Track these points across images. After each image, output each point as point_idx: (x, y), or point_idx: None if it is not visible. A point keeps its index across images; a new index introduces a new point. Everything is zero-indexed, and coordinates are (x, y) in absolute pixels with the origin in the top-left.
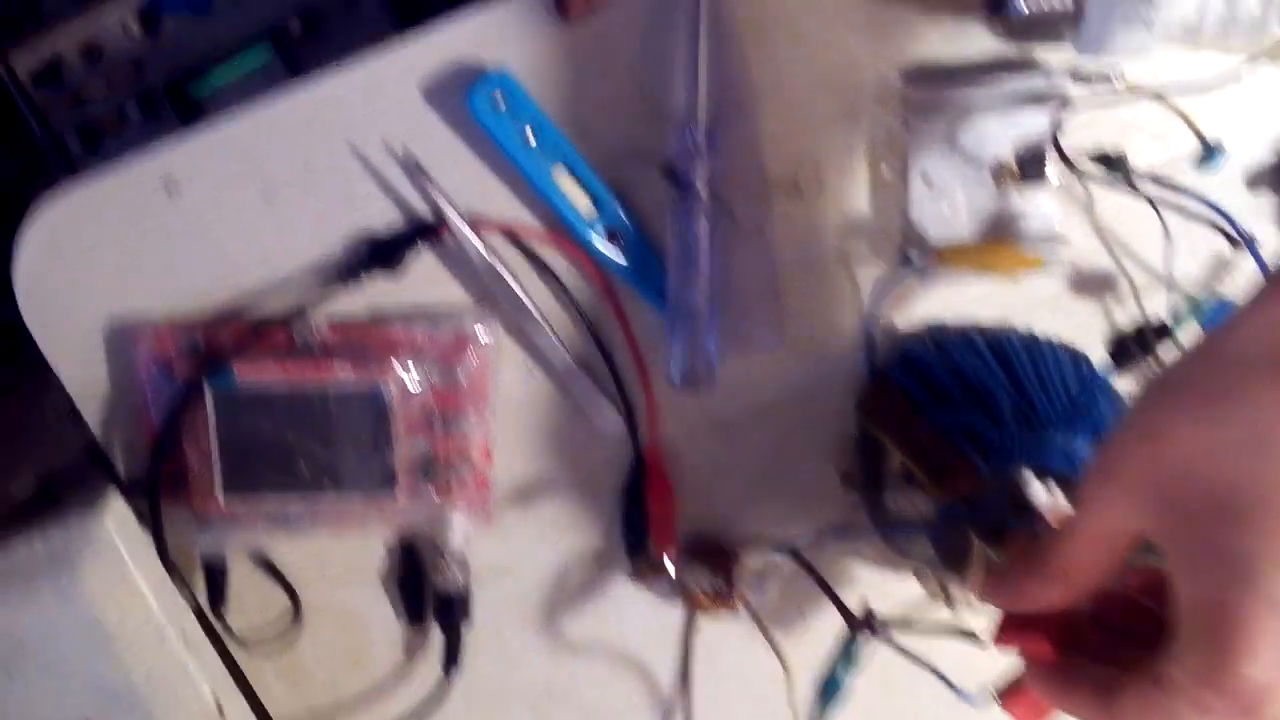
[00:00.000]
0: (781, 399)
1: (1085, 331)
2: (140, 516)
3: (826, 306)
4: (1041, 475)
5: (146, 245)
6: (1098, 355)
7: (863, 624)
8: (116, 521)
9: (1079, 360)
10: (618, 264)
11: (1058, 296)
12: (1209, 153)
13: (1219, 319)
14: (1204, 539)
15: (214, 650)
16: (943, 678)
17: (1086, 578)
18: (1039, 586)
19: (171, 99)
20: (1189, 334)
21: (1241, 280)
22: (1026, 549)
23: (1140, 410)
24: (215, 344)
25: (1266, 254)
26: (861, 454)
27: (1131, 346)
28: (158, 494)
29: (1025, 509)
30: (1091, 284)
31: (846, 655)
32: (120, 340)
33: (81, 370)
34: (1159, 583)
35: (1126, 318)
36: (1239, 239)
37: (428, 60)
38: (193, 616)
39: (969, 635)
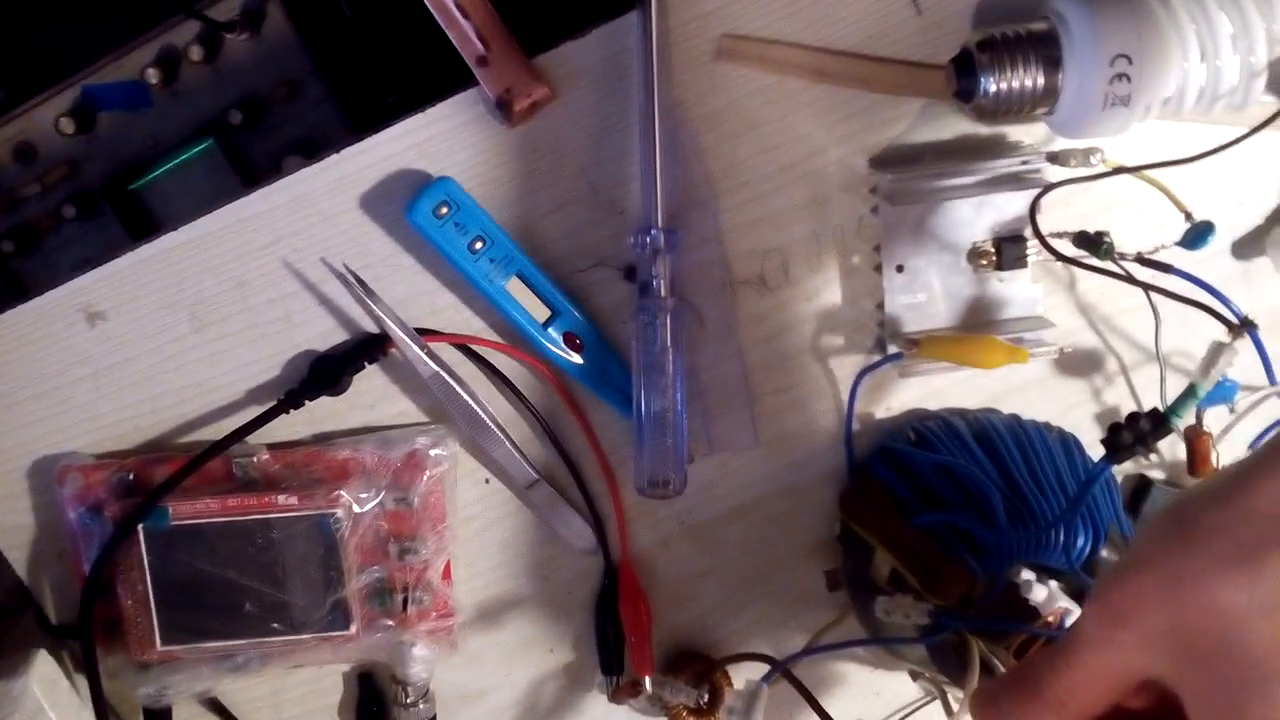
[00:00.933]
0: (759, 499)
1: (1074, 412)
2: (76, 661)
3: (802, 402)
4: (1039, 572)
5: (70, 379)
6: (1088, 437)
7: None
8: (43, 682)
9: (1069, 446)
10: (578, 369)
11: (1044, 379)
12: (1197, 234)
13: (1217, 402)
14: (1239, 703)
15: None
16: None
17: (1085, 711)
18: (1034, 715)
19: (109, 196)
20: (1186, 419)
21: (1237, 359)
22: (1022, 672)
23: (1159, 552)
24: (147, 480)
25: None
26: (847, 554)
27: (1126, 435)
28: (91, 643)
29: (1025, 610)
30: (1079, 364)
31: None
32: (45, 480)
33: (5, 513)
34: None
35: (1117, 398)
36: (1233, 322)
37: (367, 170)
38: None
39: None
